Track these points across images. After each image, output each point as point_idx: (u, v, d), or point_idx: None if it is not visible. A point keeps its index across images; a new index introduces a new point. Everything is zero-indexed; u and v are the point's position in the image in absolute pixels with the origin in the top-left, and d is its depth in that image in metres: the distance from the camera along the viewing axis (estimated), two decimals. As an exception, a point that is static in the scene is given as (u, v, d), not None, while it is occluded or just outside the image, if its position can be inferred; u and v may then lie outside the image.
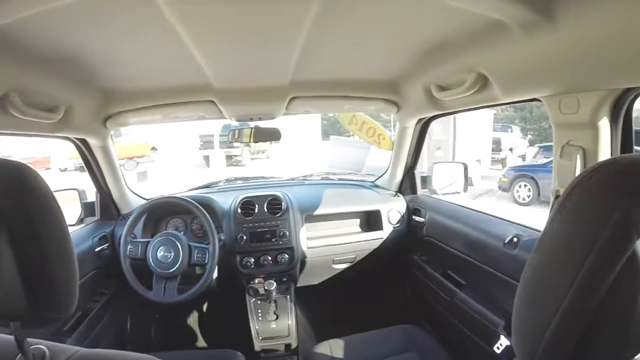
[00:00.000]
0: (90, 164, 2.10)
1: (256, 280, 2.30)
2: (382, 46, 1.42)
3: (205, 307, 2.87)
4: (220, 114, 1.97)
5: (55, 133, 1.58)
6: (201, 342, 2.80)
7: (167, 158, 17.48)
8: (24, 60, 1.14)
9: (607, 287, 0.52)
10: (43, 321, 0.68)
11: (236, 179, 2.91)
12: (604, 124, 1.23)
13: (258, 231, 2.25)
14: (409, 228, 2.50)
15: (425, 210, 2.40)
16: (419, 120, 2.30)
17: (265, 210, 2.28)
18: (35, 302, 0.64)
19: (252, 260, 2.23)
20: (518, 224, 1.78)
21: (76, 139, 1.92)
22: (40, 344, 0.72)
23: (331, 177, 3.04)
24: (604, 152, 1.25)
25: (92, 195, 2.23)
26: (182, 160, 16.90)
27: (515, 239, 1.66)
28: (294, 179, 2.89)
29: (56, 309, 0.69)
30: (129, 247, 1.99)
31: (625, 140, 1.27)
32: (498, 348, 1.60)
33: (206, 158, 16.18)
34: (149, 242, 1.99)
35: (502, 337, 1.60)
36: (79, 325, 1.81)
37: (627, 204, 0.50)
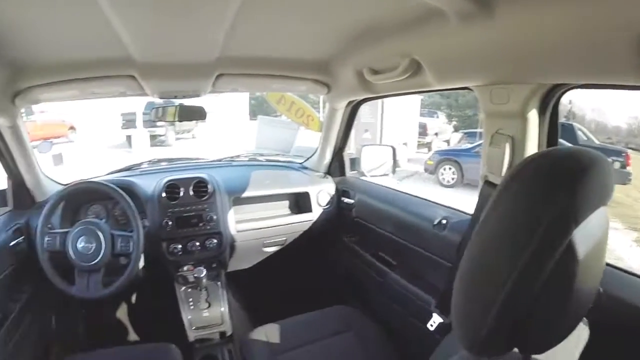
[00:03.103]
0: None
1: (185, 268, 2.19)
2: (315, 26, 1.38)
3: (134, 299, 2.71)
4: (142, 91, 1.83)
5: None
6: (132, 336, 2.65)
7: (86, 138, 16.49)
8: None
9: (547, 274, 0.54)
10: None
11: (160, 160, 2.75)
12: (533, 116, 1.28)
13: (184, 216, 2.13)
14: (338, 210, 2.50)
15: (354, 192, 2.41)
16: (349, 102, 2.29)
17: (191, 193, 2.17)
18: None
19: (180, 246, 2.12)
20: (446, 207, 1.83)
21: None
22: None
23: (259, 158, 2.96)
24: (532, 142, 1.31)
25: (3, 182, 1.98)
26: (103, 140, 16.00)
27: (444, 221, 1.71)
28: (220, 161, 2.78)
29: None
30: (47, 238, 1.80)
31: (552, 131, 1.34)
32: (431, 325, 1.64)
33: (129, 138, 15.33)
34: (68, 232, 1.82)
35: (434, 315, 1.64)
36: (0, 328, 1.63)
37: (564, 195, 0.53)
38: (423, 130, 15.32)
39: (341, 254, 2.55)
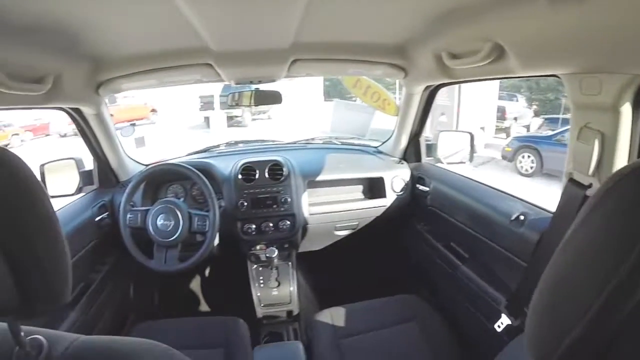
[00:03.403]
0: (85, 133, 2.02)
1: (257, 247, 2.28)
2: (392, 8, 1.32)
3: (207, 273, 2.87)
4: (219, 77, 1.89)
5: (45, 104, 1.50)
6: (204, 308, 2.81)
7: (167, 119, 17.34)
8: (2, 33, 1.05)
9: (636, 302, 0.47)
10: (38, 312, 0.63)
11: (236, 142, 2.86)
12: (626, 110, 1.15)
13: (259, 197, 2.21)
14: (412, 197, 2.46)
15: (429, 179, 2.34)
16: (427, 87, 2.22)
17: (267, 175, 2.23)
18: (26, 294, 0.59)
19: (254, 226, 2.20)
20: (524, 201, 1.71)
21: (69, 108, 1.84)
22: (37, 333, 0.67)
23: (334, 141, 2.97)
24: (624, 140, 1.17)
25: (89, 163, 2.16)
26: (182, 121, 16.76)
27: (522, 217, 1.60)
28: (295, 143, 2.83)
29: (50, 299, 0.63)
30: (129, 215, 1.95)
31: None
32: (499, 327, 1.58)
33: (207, 119, 16.01)
34: (148, 210, 1.96)
35: (503, 315, 1.57)
36: (82, 296, 1.78)
37: None
38: (501, 115, 14.64)
39: (413, 242, 2.51)
